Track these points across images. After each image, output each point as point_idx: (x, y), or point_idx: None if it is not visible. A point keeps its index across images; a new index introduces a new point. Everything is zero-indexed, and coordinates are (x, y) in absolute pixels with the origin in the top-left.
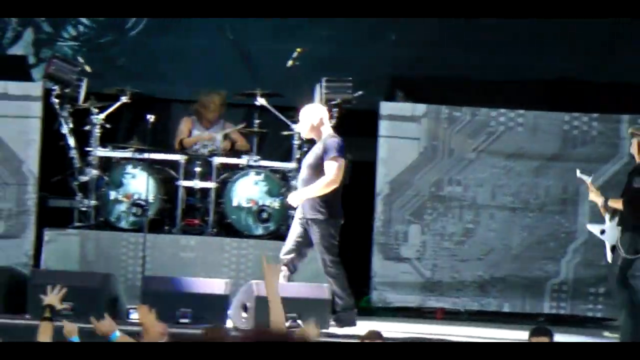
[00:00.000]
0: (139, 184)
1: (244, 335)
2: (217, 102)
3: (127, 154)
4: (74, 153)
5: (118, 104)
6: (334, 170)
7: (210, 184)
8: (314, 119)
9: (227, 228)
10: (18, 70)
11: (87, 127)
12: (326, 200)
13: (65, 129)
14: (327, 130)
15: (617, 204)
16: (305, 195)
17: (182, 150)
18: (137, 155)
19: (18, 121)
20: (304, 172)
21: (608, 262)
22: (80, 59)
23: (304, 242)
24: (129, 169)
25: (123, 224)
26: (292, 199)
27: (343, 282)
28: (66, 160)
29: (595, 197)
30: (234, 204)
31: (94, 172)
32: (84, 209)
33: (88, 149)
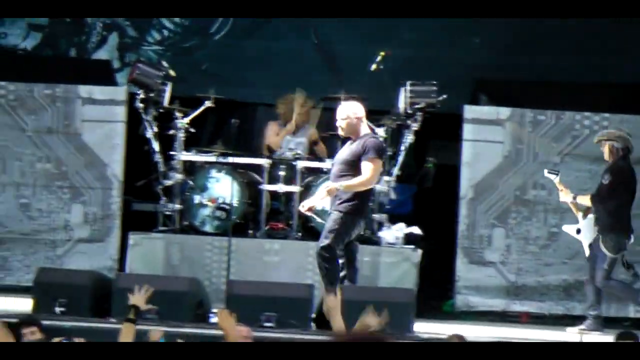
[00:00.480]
0: (224, 188)
1: (338, 337)
2: (304, 105)
3: (211, 158)
4: (158, 157)
5: (202, 108)
6: (371, 170)
7: (295, 188)
8: (353, 117)
9: (311, 231)
10: (103, 74)
11: (172, 131)
12: (353, 198)
13: (149, 133)
14: (366, 129)
15: (586, 200)
16: (339, 187)
17: (270, 153)
18: (222, 159)
19: (103, 125)
20: (336, 168)
21: (587, 259)
22: (165, 63)
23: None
24: (213, 173)
25: (207, 228)
26: (325, 190)
27: (325, 274)
28: (150, 165)
29: (565, 196)
30: (318, 207)
31: (179, 176)
32: (168, 213)
33: (172, 153)
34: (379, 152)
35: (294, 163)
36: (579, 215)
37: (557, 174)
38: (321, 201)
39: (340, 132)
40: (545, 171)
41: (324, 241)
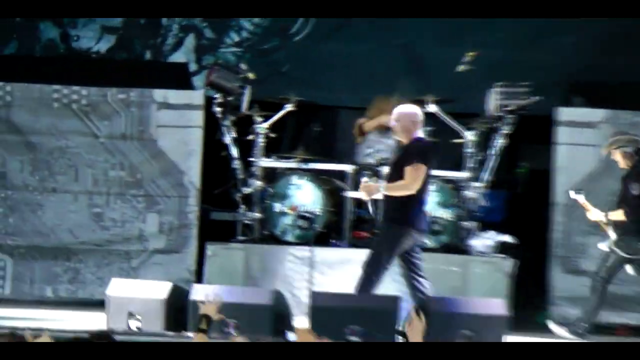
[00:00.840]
0: (305, 196)
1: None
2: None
3: (292, 164)
4: (237, 164)
5: (283, 112)
6: (410, 176)
7: (379, 195)
8: (407, 120)
9: None
10: (179, 78)
11: (251, 137)
12: (398, 207)
13: (227, 139)
14: (419, 133)
15: (618, 215)
16: (376, 190)
17: (361, 134)
18: (303, 166)
19: (179, 131)
20: (388, 173)
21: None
22: (243, 66)
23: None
24: (295, 180)
25: (289, 238)
26: (364, 189)
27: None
28: (229, 172)
29: (596, 215)
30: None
31: (258, 184)
32: (247, 222)
33: (252, 159)
34: (422, 157)
35: (378, 168)
36: (610, 230)
37: (581, 193)
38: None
39: (394, 135)
40: (572, 192)
41: (370, 252)
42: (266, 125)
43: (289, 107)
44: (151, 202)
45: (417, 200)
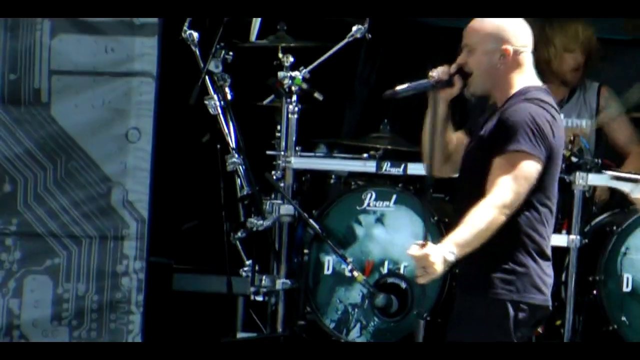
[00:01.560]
0: (392, 237)
1: None
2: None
3: (361, 163)
4: (234, 160)
5: (341, 44)
6: (510, 176)
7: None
8: (496, 45)
9: None
10: None
11: (269, 101)
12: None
13: (213, 104)
14: (525, 77)
15: None
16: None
17: None
18: (390, 169)
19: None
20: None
21: None
22: None
23: None
24: (369, 199)
25: (355, 336)
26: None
27: None
28: (218, 180)
29: None
30: None
31: (283, 210)
32: (260, 296)
33: (271, 152)
34: (533, 135)
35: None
36: None
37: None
38: None
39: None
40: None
41: None
42: (305, 72)
43: (357, 31)
44: None
45: (525, 232)
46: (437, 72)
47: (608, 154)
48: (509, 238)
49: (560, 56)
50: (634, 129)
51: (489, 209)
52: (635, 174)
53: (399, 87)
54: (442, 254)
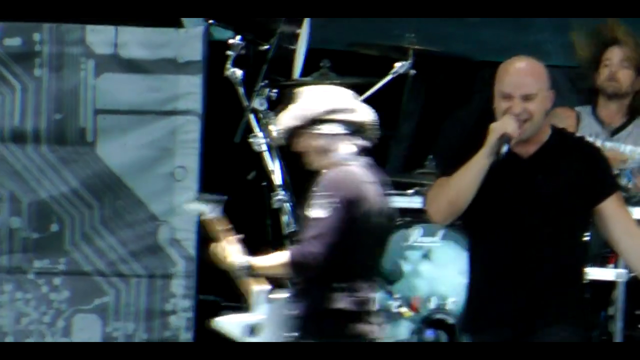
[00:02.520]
0: (441, 275)
1: None
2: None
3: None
4: (281, 196)
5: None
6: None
7: None
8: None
9: None
10: None
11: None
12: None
13: (260, 141)
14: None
15: None
16: None
17: None
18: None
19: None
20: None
21: None
22: None
23: None
24: (415, 236)
25: None
26: None
27: None
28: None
29: None
30: None
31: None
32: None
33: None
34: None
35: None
36: None
37: None
38: None
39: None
40: None
41: None
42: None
43: (401, 67)
44: None
45: None
46: (512, 127)
47: None
48: None
49: (604, 53)
50: None
51: None
52: None
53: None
54: None
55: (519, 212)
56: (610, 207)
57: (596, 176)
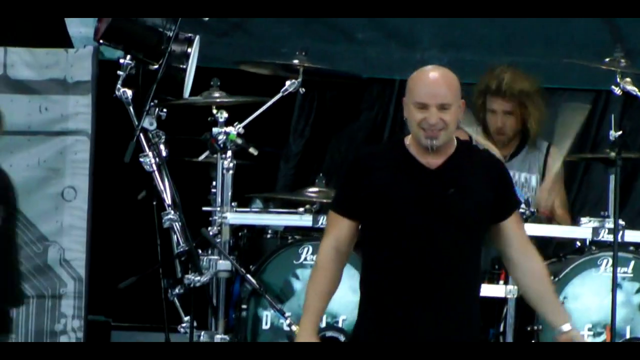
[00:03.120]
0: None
1: None
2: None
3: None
4: (170, 216)
5: (278, 96)
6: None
7: None
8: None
9: None
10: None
11: (205, 157)
12: None
13: (149, 161)
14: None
15: None
16: None
17: None
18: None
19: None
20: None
21: None
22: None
23: None
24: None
25: None
26: None
27: None
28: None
29: None
30: None
31: (221, 265)
32: None
33: (208, 208)
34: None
35: None
36: None
37: None
38: None
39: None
40: None
41: None
42: (239, 127)
43: (290, 85)
44: None
45: None
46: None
47: None
48: None
49: (489, 100)
50: (565, 194)
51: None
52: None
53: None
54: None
55: (421, 225)
56: (510, 226)
57: (501, 193)
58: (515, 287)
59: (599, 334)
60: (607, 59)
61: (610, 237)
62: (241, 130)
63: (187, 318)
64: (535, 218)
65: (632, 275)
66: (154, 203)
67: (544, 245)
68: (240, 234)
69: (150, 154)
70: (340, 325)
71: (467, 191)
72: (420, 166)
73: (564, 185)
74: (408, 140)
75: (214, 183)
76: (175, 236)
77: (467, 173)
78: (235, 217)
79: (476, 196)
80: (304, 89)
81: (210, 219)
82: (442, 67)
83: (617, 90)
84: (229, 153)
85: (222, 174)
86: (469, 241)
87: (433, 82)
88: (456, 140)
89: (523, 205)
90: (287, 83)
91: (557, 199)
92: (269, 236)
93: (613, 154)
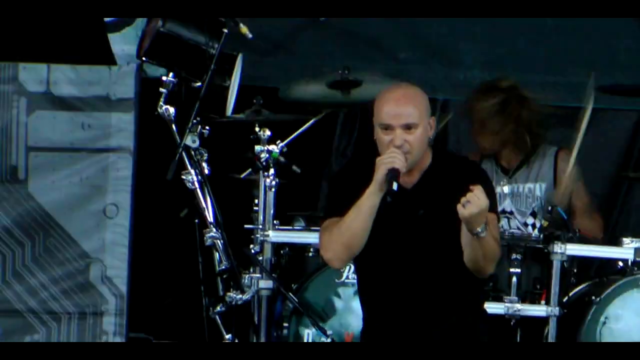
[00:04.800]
0: None
1: None
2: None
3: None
4: (213, 235)
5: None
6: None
7: None
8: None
9: None
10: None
11: (251, 175)
12: None
13: (192, 180)
14: None
15: None
16: None
17: None
18: None
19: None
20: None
21: None
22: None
23: None
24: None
25: None
26: None
27: None
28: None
29: None
30: None
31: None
32: None
33: (252, 226)
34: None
35: None
36: None
37: None
38: None
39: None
40: None
41: None
42: (282, 145)
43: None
44: None
45: None
46: (399, 162)
47: None
48: None
49: (477, 101)
50: (590, 196)
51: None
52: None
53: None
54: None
55: (404, 247)
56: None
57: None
58: (557, 308)
59: None
60: None
61: None
62: (284, 149)
63: (228, 336)
64: (576, 238)
65: None
66: (196, 221)
67: (585, 265)
68: (282, 252)
69: (193, 171)
70: None
71: (439, 208)
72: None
73: (584, 188)
74: None
75: (256, 201)
76: (217, 254)
77: (442, 184)
78: (277, 235)
79: (449, 211)
80: (346, 108)
81: (252, 237)
82: (408, 85)
83: None
84: (272, 171)
85: (265, 192)
86: (447, 254)
87: (397, 101)
88: (432, 151)
89: (529, 219)
90: None
91: (579, 203)
92: (310, 255)
93: None
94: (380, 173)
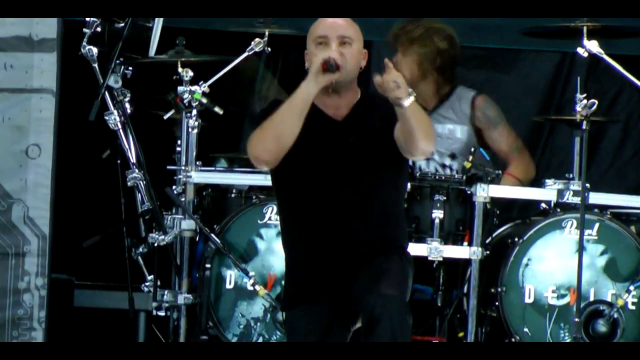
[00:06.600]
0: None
1: None
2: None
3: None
4: (135, 175)
5: (244, 55)
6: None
7: None
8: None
9: None
10: None
11: (170, 114)
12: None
13: (113, 119)
14: None
15: None
16: None
17: None
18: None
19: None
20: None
21: None
22: None
23: None
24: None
25: None
26: None
27: None
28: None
29: None
30: None
31: (185, 225)
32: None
33: (172, 166)
34: None
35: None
36: None
37: None
38: None
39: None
40: None
41: None
42: (205, 86)
43: (256, 45)
44: None
45: None
46: (334, 55)
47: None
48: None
49: (402, 29)
50: (516, 136)
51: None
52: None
53: None
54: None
55: (332, 178)
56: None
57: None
58: (480, 249)
59: (563, 296)
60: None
61: (574, 199)
62: (206, 89)
63: (150, 277)
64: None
65: (596, 237)
66: (119, 162)
67: (507, 206)
68: (204, 193)
69: (115, 112)
70: None
71: (369, 136)
72: (326, 118)
73: (507, 130)
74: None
75: (178, 142)
76: (140, 195)
77: (372, 118)
78: (200, 176)
79: (380, 139)
80: (269, 49)
81: (175, 177)
82: None
83: (583, 53)
84: (194, 112)
85: (187, 133)
86: (379, 178)
87: (332, 19)
88: (360, 90)
89: (446, 160)
90: (253, 42)
91: (504, 146)
92: (233, 196)
93: (579, 116)
94: (315, 64)
